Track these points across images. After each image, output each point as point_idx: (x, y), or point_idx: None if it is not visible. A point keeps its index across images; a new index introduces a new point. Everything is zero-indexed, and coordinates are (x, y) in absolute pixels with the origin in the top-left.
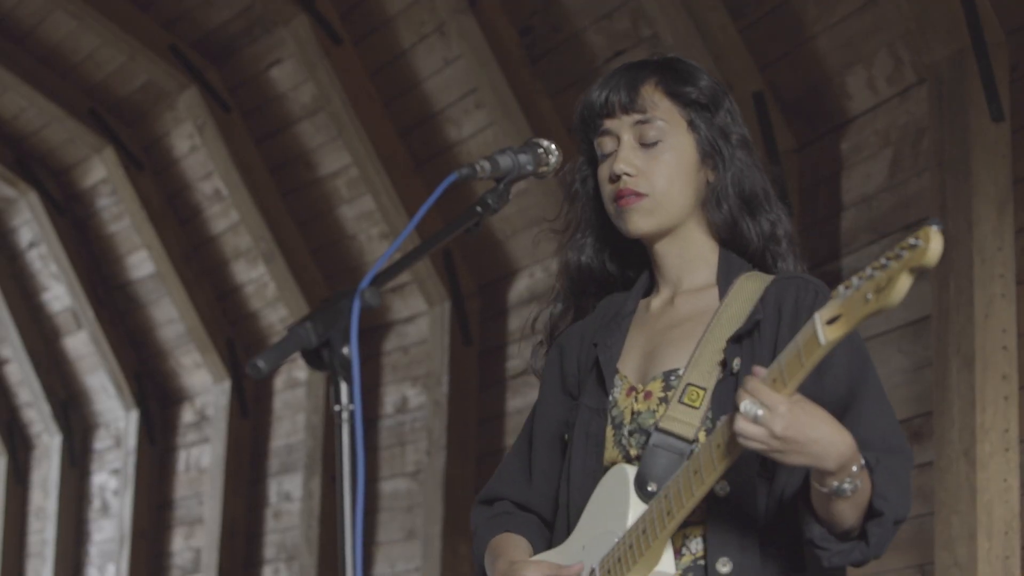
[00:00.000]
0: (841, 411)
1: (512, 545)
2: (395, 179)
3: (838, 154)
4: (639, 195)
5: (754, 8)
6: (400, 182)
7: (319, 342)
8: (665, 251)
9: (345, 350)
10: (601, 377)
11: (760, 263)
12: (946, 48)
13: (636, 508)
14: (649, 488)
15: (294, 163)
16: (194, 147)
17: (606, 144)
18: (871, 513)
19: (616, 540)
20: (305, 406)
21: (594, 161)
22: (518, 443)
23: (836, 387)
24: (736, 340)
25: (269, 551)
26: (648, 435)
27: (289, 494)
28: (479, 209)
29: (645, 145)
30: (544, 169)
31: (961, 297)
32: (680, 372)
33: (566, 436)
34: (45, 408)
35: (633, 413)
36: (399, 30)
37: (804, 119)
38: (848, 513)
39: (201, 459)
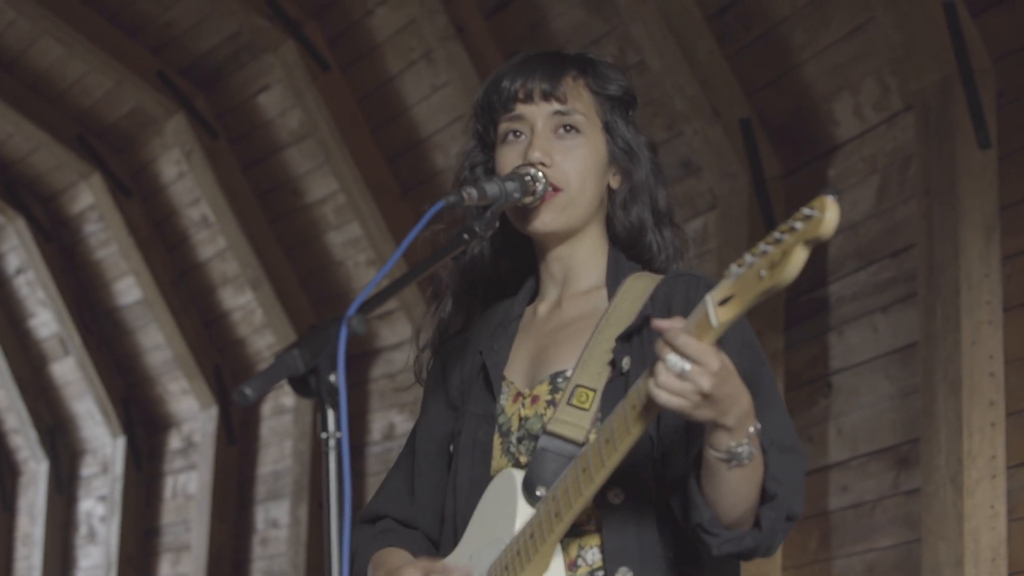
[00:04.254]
0: None
1: (395, 556)
2: (382, 206)
3: (825, 181)
4: (553, 189)
5: (741, 35)
6: (387, 209)
7: (306, 369)
8: (559, 253)
9: (332, 377)
10: (488, 383)
11: (656, 273)
12: (933, 75)
13: (524, 513)
14: (538, 492)
15: (281, 190)
16: (181, 173)
17: (515, 129)
18: (764, 498)
19: (503, 547)
20: (292, 433)
21: (487, 148)
22: (400, 459)
23: None
24: (625, 339)
25: None
26: (538, 440)
27: (276, 521)
28: (466, 236)
29: (560, 137)
30: (530, 198)
31: (948, 324)
32: (568, 374)
33: (451, 447)
34: (32, 434)
35: (521, 419)
36: (387, 57)
37: (791, 145)
38: (740, 491)
39: (188, 486)
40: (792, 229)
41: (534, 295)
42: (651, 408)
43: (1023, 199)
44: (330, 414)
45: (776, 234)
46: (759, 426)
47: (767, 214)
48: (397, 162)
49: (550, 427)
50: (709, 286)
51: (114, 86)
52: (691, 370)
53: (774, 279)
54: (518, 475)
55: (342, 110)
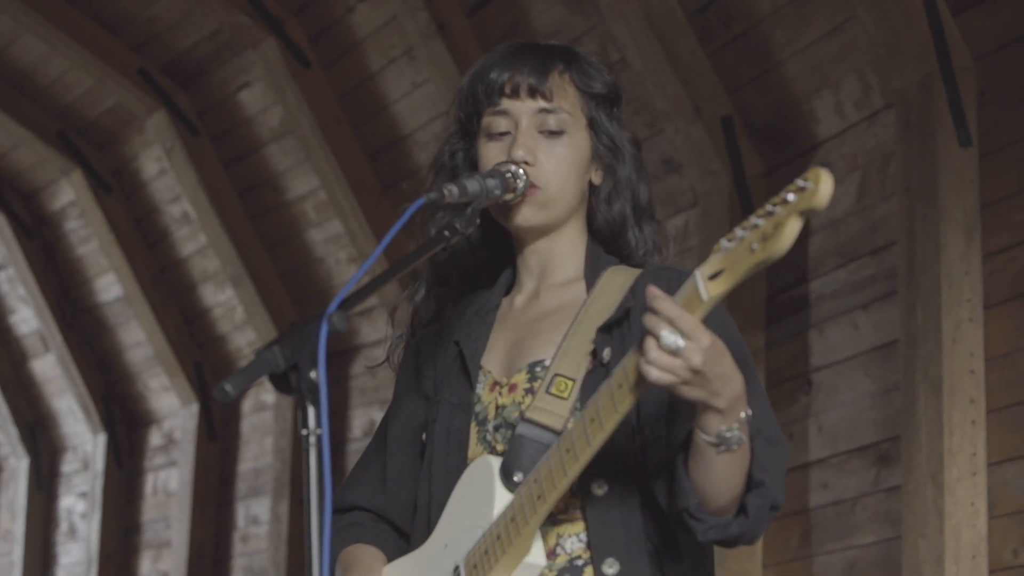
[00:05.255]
0: None
1: (366, 557)
2: (363, 203)
3: None
4: (533, 187)
5: (723, 33)
6: (368, 206)
7: (287, 366)
8: (537, 247)
9: (312, 374)
10: (465, 371)
11: (634, 267)
12: (914, 73)
13: (502, 498)
14: (515, 478)
15: (262, 186)
16: (162, 170)
17: (499, 123)
18: (751, 485)
19: (482, 533)
20: (273, 430)
21: (468, 137)
22: (371, 448)
23: None
24: (606, 330)
25: (237, 575)
26: (514, 428)
27: (257, 518)
28: (447, 234)
29: (544, 135)
30: (511, 195)
31: (928, 322)
32: (546, 363)
33: (424, 436)
34: (12, 431)
35: (498, 408)
36: (368, 54)
37: (772, 143)
38: (727, 477)
39: (168, 482)
40: (785, 201)
41: (511, 286)
42: (640, 384)
43: (1004, 197)
44: (310, 411)
45: (768, 206)
46: (750, 412)
47: (748, 212)
48: (378, 159)
49: (528, 414)
50: None
51: (95, 83)
52: (684, 346)
53: (766, 252)
54: (495, 461)
55: (323, 107)
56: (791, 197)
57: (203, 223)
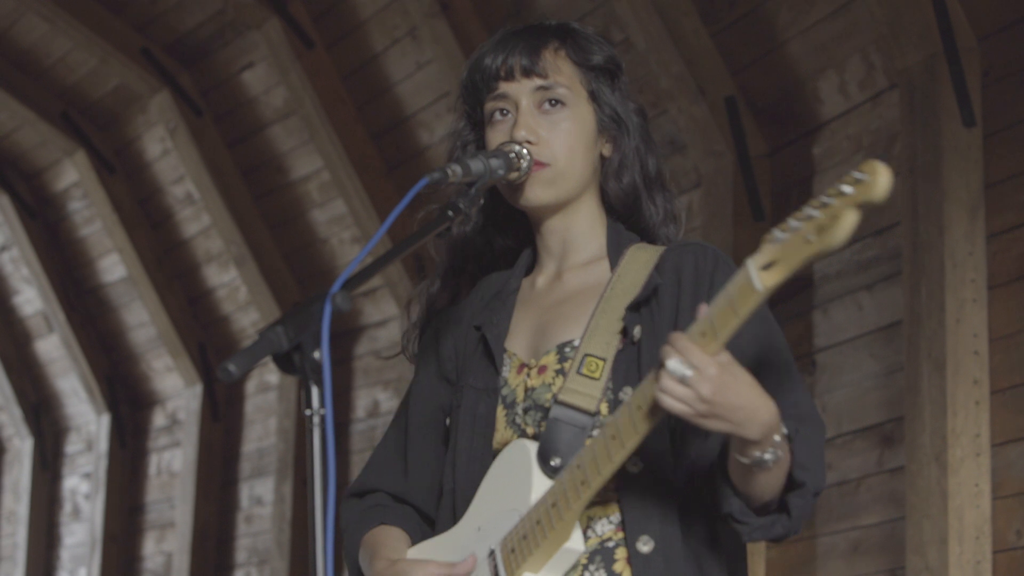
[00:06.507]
0: None
1: (391, 539)
2: (367, 183)
3: (810, 159)
4: (540, 164)
5: (726, 13)
6: (372, 186)
7: (290, 346)
8: (554, 226)
9: (316, 354)
10: (489, 356)
11: (651, 241)
12: (918, 53)
13: (540, 483)
14: (553, 463)
15: (266, 167)
16: (166, 150)
17: (500, 108)
18: (791, 484)
19: (519, 517)
20: (277, 410)
21: (477, 126)
22: (391, 432)
23: (741, 358)
24: (635, 308)
25: (240, 555)
26: (546, 411)
27: (261, 498)
28: (450, 214)
29: (545, 112)
30: (515, 174)
31: (932, 302)
32: (575, 343)
33: (448, 420)
34: (16, 412)
35: (527, 390)
36: (371, 34)
37: (776, 124)
38: (768, 485)
39: (172, 463)
40: (841, 193)
41: (530, 268)
42: (657, 410)
43: (1008, 177)
44: (314, 391)
45: (823, 198)
46: (785, 431)
47: (752, 192)
48: (381, 139)
49: (561, 397)
50: (717, 254)
51: (98, 63)
52: (691, 375)
53: (823, 243)
54: (531, 446)
55: (327, 87)
56: (848, 189)
57: (206, 203)
